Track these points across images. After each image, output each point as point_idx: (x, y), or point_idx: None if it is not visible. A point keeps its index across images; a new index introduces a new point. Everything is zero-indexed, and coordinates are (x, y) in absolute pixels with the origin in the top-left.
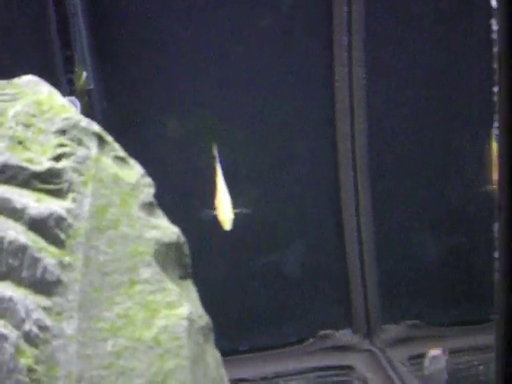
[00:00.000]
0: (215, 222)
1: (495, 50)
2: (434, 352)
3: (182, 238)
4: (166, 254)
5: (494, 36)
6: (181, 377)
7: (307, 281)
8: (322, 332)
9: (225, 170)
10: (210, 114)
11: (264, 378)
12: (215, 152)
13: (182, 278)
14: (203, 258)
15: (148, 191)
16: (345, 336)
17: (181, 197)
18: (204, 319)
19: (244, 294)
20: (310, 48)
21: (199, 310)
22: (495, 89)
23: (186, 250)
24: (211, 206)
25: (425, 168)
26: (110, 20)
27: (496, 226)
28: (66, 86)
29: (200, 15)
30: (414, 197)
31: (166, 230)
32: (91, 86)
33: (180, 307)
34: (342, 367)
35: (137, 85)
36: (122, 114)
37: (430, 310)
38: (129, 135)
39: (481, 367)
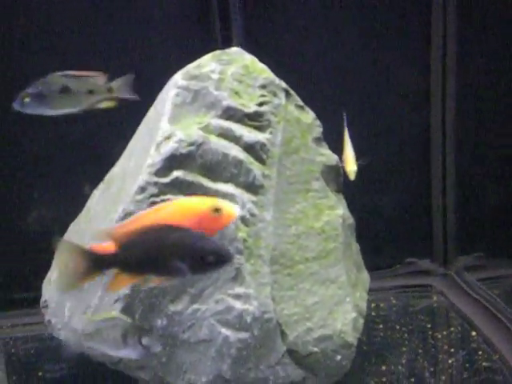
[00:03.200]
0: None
1: None
2: None
3: (339, 164)
4: (329, 173)
5: None
6: (337, 254)
7: (397, 218)
8: (407, 260)
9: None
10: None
11: None
12: (344, 115)
13: (338, 191)
14: None
15: (318, 130)
16: (425, 263)
17: None
18: (351, 220)
19: None
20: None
21: (348, 213)
22: None
23: (341, 172)
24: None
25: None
26: (258, 8)
27: None
28: None
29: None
30: (496, 147)
31: (329, 156)
32: None
33: (337, 209)
34: (423, 285)
35: (278, 58)
36: None
37: (495, 246)
38: None
39: None
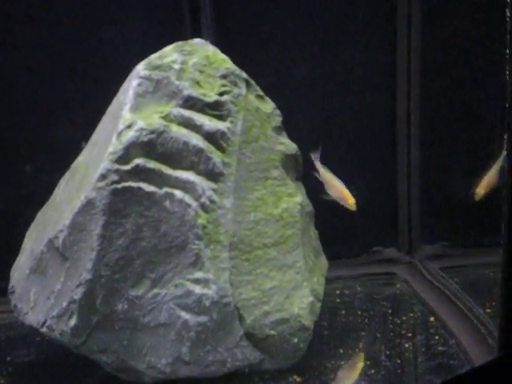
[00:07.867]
0: None
1: None
2: None
3: (299, 152)
4: (288, 162)
5: None
6: (295, 240)
7: (364, 209)
8: (373, 248)
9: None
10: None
11: (327, 279)
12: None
13: (297, 179)
14: None
15: (278, 119)
16: (390, 252)
17: None
18: (309, 207)
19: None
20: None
21: (307, 201)
22: None
23: (301, 161)
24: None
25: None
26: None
27: None
28: None
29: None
30: (459, 139)
31: (288, 145)
32: None
33: (296, 197)
34: (388, 273)
35: (249, 50)
36: None
37: (458, 235)
38: None
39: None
